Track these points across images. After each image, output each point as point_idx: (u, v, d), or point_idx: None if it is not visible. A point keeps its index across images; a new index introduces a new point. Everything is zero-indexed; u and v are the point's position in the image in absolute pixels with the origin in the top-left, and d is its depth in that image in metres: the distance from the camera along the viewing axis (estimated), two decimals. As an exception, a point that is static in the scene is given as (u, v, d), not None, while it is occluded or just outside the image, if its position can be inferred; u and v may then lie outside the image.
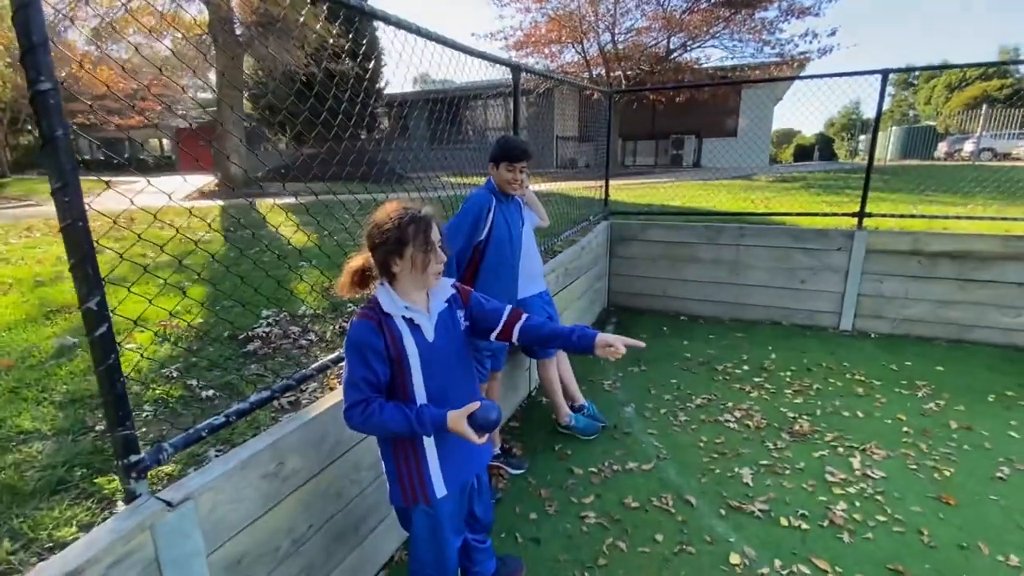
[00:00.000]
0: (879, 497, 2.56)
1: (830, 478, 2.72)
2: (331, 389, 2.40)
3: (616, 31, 16.16)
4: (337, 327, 3.35)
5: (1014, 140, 21.52)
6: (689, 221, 5.78)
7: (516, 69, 3.38)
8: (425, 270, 1.42)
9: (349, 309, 3.62)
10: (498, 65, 3.23)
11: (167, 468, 1.88)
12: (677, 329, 5.08)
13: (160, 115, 20.22)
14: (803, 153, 34.89)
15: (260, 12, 10.29)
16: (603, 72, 17.24)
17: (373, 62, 12.74)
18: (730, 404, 3.53)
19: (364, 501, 2.00)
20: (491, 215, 2.45)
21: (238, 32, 10.97)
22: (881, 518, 2.43)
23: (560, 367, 3.24)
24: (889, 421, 3.30)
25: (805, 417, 3.36)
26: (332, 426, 1.79)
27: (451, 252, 2.27)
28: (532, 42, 16.88)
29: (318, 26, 8.68)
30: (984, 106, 23.39)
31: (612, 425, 3.34)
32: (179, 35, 9.05)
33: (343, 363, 1.44)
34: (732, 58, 15.39)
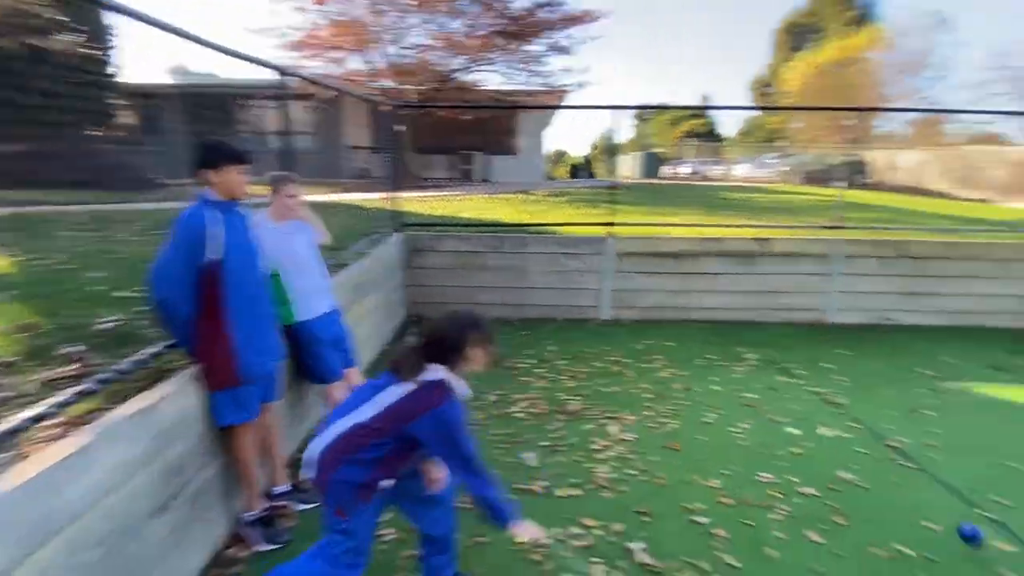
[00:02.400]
0: (630, 456, 3.12)
1: (594, 447, 3.20)
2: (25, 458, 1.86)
3: (402, 45, 16.36)
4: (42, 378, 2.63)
5: (712, 166, 28.56)
6: (479, 232, 6.17)
7: (281, 72, 3.16)
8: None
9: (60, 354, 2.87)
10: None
11: None
12: (472, 333, 5.36)
13: None
14: (575, 171, 40.40)
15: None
16: (392, 84, 17.26)
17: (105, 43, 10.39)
18: (517, 396, 3.88)
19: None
20: (216, 232, 2.04)
21: None
22: (632, 471, 2.96)
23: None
24: (635, 391, 4.04)
25: (576, 398, 3.89)
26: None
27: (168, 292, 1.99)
28: (313, 45, 15.96)
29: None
30: (690, 138, 30.36)
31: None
32: None
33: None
34: (508, 83, 16.99)
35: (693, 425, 3.53)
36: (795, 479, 2.90)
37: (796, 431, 3.46)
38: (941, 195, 16.22)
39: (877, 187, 18.91)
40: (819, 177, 19.86)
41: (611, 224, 5.81)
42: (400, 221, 5.90)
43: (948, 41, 30.40)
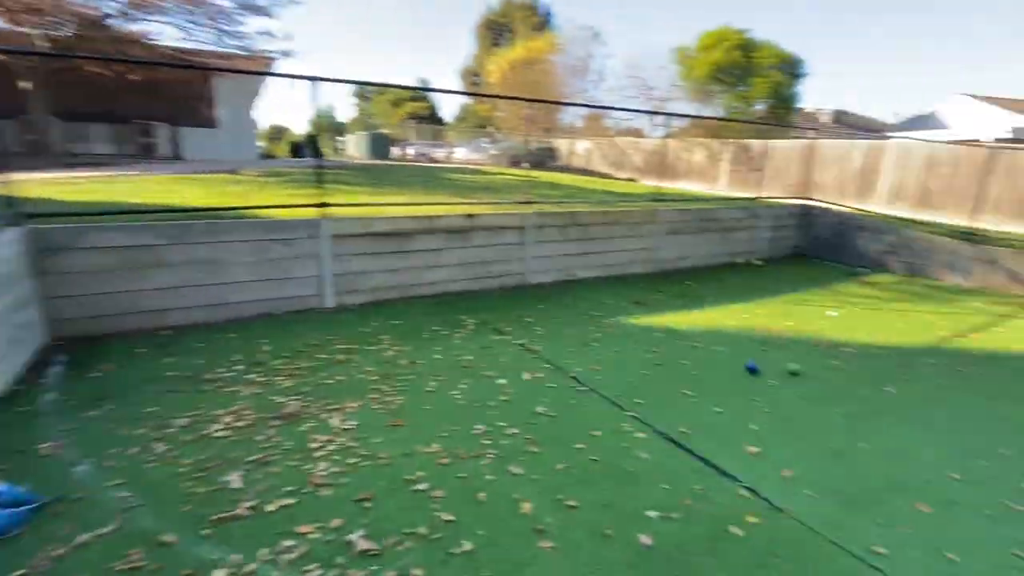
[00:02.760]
0: (352, 444, 3.01)
1: (313, 445, 2.98)
2: None
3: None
4: None
5: (436, 148, 30.03)
6: (154, 220, 4.97)
7: None
8: None
9: None
10: None
11: None
12: (157, 346, 4.34)
13: None
14: (297, 149, 36.99)
15: None
16: (5, 24, 12.37)
17: None
18: (218, 412, 3.31)
19: None
20: None
21: None
22: (354, 460, 2.85)
23: None
24: (361, 376, 3.93)
25: (295, 398, 3.55)
26: None
27: None
28: None
29: None
30: (410, 120, 31.18)
31: (57, 498, 2.49)
32: None
33: None
34: (191, 41, 14.11)
35: (417, 397, 3.64)
36: (502, 423, 3.28)
37: (504, 381, 3.92)
38: (606, 175, 20.77)
39: (564, 169, 22.97)
40: (520, 160, 22.96)
41: (324, 205, 5.44)
42: (18, 211, 4.28)
43: (602, 52, 38.93)
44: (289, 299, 5.34)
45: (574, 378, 4.05)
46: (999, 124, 16.72)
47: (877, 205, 11.34)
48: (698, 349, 4.81)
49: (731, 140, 15.69)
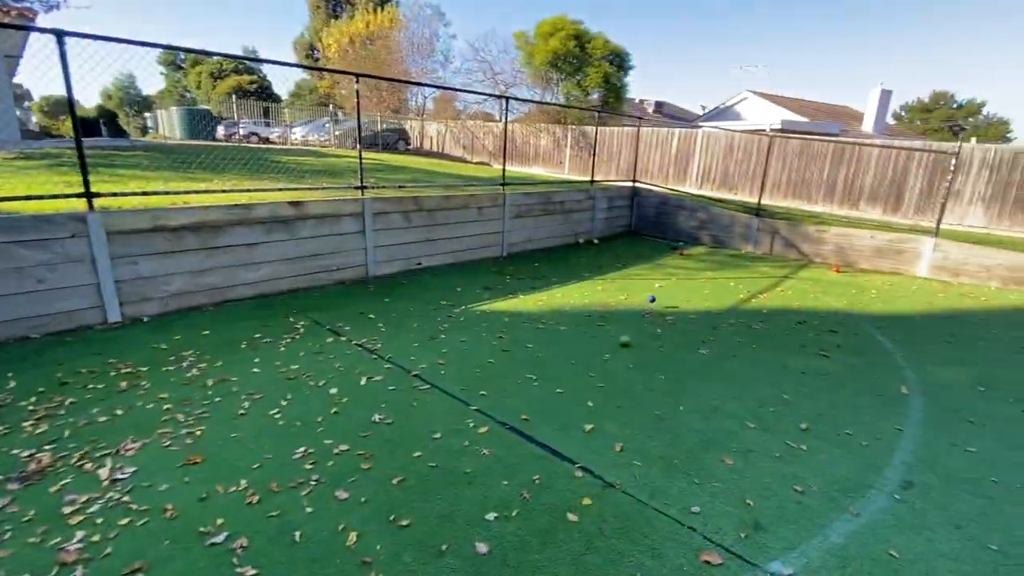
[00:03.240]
0: (126, 498, 2.39)
1: (69, 509, 2.30)
2: None
3: None
4: None
5: (271, 128, 26.89)
6: None
7: None
8: None
9: None
10: None
11: None
12: None
13: None
14: (88, 127, 30.31)
15: None
16: None
17: None
18: (-88, 486, 2.40)
19: None
20: None
21: None
22: (126, 520, 2.26)
23: None
24: (151, 406, 3.21)
25: (47, 447, 2.74)
26: None
27: None
28: None
29: None
30: (235, 96, 27.54)
31: None
32: None
33: None
34: None
35: (224, 423, 3.07)
36: (330, 441, 2.91)
37: (336, 390, 3.52)
38: (459, 159, 20.57)
39: (416, 152, 22.25)
40: (368, 142, 21.69)
41: (90, 195, 4.35)
42: None
43: (446, 32, 38.10)
44: (53, 317, 4.20)
45: (417, 376, 3.80)
46: (775, 117, 20.23)
47: (691, 186, 12.92)
48: (543, 330, 4.90)
49: (573, 126, 16.61)
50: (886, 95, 23.87)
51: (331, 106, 27.38)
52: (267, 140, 26.23)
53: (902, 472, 2.86)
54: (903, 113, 41.44)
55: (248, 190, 5.65)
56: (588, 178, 10.75)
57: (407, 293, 5.90)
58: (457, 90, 24.31)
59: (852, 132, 21.91)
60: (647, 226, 11.02)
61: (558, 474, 2.71)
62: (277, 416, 3.16)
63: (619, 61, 19.78)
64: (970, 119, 39.05)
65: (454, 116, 23.88)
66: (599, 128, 15.02)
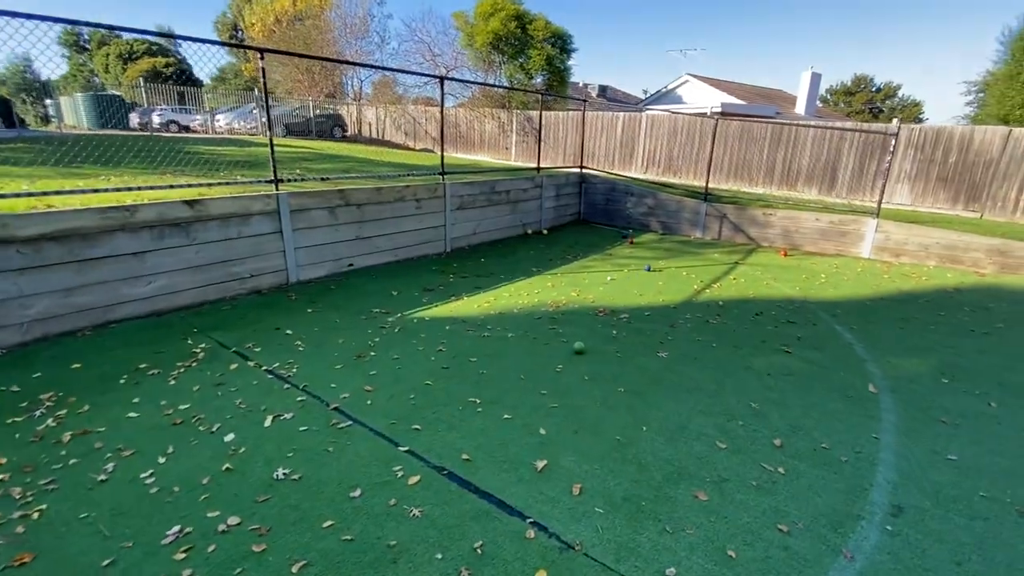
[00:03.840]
0: None
1: None
2: None
3: None
4: None
5: (191, 115, 24.64)
6: None
7: None
8: None
9: None
10: None
11: None
12: None
13: None
14: None
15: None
16: None
17: None
18: None
19: None
20: None
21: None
22: None
23: None
24: (-28, 480, 2.45)
25: None
26: None
27: None
28: None
29: None
30: (146, 80, 25.11)
31: None
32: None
33: None
34: None
35: (76, 497, 2.37)
36: (215, 513, 2.28)
37: (232, 436, 2.87)
38: (402, 146, 19.53)
39: (354, 139, 20.97)
40: (299, 130, 20.22)
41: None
42: None
43: (381, 12, 36.22)
44: None
45: (338, 410, 3.19)
46: (715, 100, 20.47)
47: (637, 171, 12.71)
48: (489, 339, 4.38)
49: (518, 110, 16.02)
50: (816, 78, 24.74)
51: (255, 91, 25.35)
52: (187, 128, 24.09)
53: (889, 494, 2.57)
54: (828, 96, 43.53)
55: (133, 188, 4.75)
56: (535, 165, 10.25)
57: (334, 301, 5.22)
58: (393, 70, 23.18)
59: (786, 115, 22.58)
60: (596, 214, 10.69)
61: (506, 536, 2.22)
62: (149, 481, 2.49)
63: (561, 43, 19.30)
64: (887, 101, 41.58)
65: (394, 101, 22.69)
66: (544, 113, 14.53)
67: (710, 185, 10.42)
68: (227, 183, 5.43)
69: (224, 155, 10.23)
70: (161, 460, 2.64)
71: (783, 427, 3.15)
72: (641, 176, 12.18)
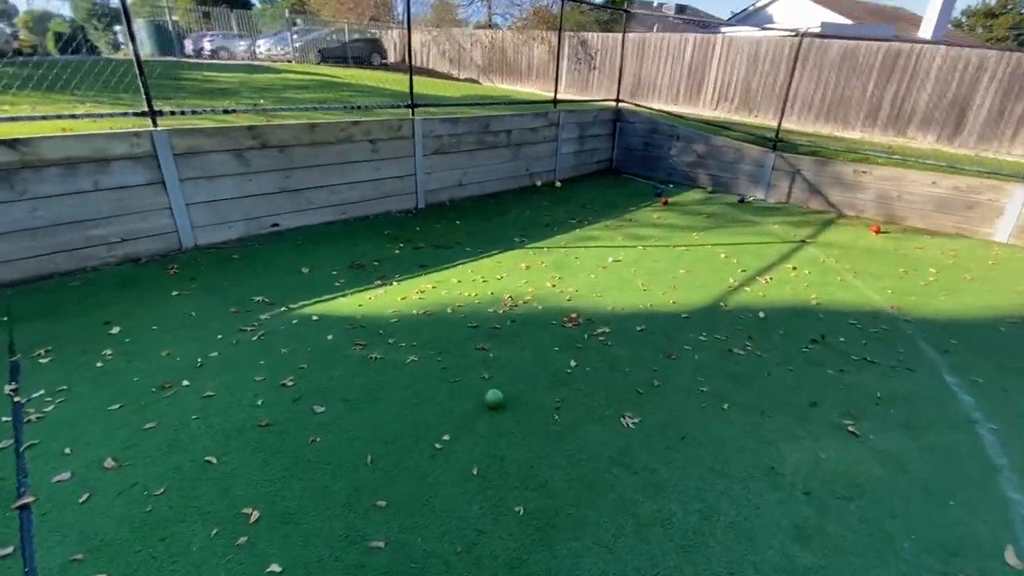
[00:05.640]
0: None
1: None
2: None
3: None
4: None
5: (239, 41, 23.70)
6: None
7: None
8: None
9: None
10: None
11: None
12: None
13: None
14: (67, 43, 27.67)
15: None
16: None
17: None
18: None
19: None
20: None
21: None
22: None
23: None
24: None
25: None
26: None
27: None
28: None
29: None
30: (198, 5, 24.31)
31: None
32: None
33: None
34: None
35: None
36: None
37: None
38: (445, 75, 17.54)
39: (395, 68, 19.18)
40: (335, 55, 18.68)
41: None
42: None
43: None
44: None
45: (20, 509, 1.92)
46: (814, 19, 16.60)
47: (705, 107, 10.25)
48: (377, 363, 2.94)
49: (570, 32, 13.41)
50: (954, -9, 19.56)
51: (287, 12, 23.92)
52: (234, 55, 23.21)
53: None
54: (963, 19, 35.62)
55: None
56: (587, 98, 8.21)
57: (217, 281, 3.92)
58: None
59: (906, 39, 18.11)
60: (631, 162, 8.60)
61: None
62: None
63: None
64: (1041, 26, 33.36)
65: (449, 24, 20.36)
66: (600, 35, 12.02)
67: (789, 128, 7.99)
68: (74, 117, 4.08)
69: (220, 81, 8.94)
70: None
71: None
72: (708, 113, 9.76)
